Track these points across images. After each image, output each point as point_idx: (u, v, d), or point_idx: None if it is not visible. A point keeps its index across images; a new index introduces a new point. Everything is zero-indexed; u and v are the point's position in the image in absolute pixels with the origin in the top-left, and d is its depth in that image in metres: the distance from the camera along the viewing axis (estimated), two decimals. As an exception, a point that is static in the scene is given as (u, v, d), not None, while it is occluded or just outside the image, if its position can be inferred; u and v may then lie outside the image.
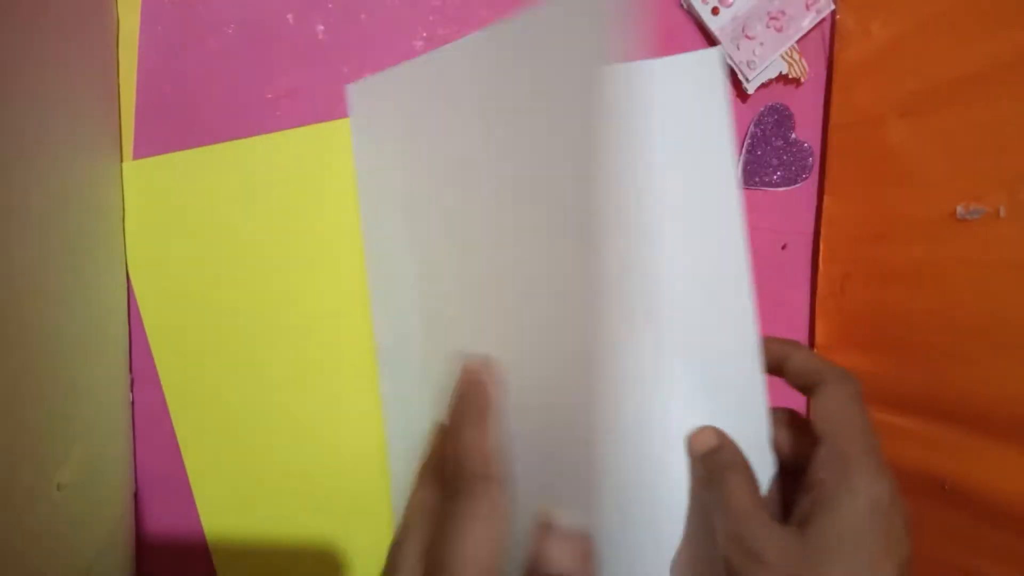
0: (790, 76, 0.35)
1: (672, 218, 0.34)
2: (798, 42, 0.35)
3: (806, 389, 0.25)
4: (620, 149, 0.32)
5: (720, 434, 0.27)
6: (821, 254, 0.37)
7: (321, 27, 0.34)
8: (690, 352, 0.33)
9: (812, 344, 0.37)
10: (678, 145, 0.34)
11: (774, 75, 0.35)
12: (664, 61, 0.34)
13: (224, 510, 0.35)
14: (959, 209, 0.29)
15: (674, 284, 0.34)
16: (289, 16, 0.34)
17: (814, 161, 0.37)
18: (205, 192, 0.34)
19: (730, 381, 0.32)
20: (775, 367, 0.27)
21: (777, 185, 0.37)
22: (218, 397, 0.35)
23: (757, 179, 0.37)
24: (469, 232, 0.32)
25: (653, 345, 0.34)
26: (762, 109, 0.36)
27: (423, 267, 0.33)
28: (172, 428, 0.34)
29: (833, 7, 0.35)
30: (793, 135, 0.36)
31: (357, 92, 0.33)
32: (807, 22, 0.35)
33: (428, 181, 0.33)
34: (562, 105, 0.28)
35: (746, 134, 0.36)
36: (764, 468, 0.29)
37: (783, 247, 0.37)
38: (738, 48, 0.35)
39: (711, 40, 0.36)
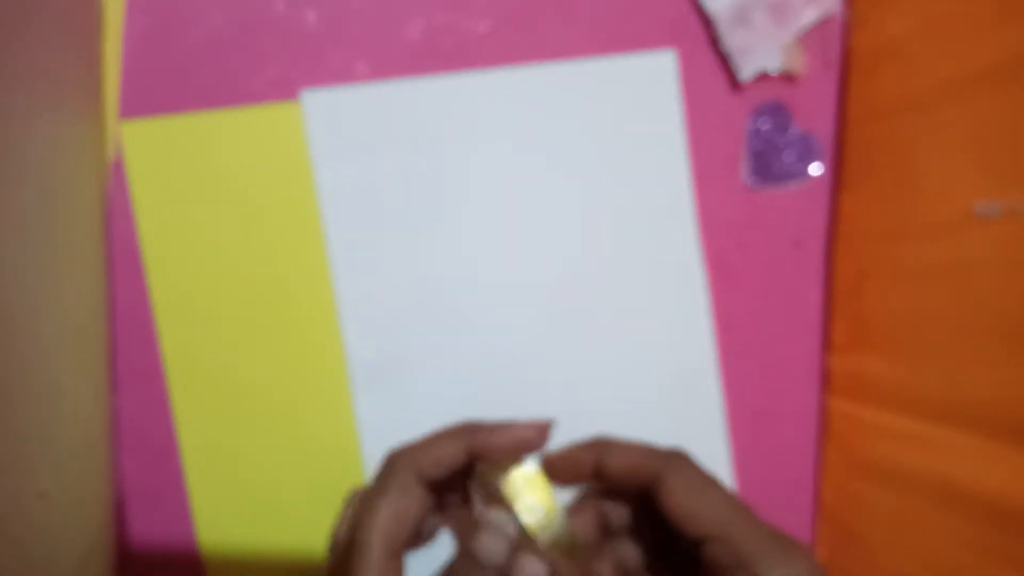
0: (789, 71, 0.34)
1: (623, 221, 0.35)
2: (801, 37, 0.34)
3: (641, 486, 0.23)
4: (571, 148, 0.35)
5: None
6: (836, 252, 0.36)
7: (312, 14, 0.33)
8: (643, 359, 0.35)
9: (828, 345, 0.36)
10: (628, 145, 0.35)
11: (771, 67, 0.34)
12: (615, 60, 0.35)
13: (223, 518, 0.34)
14: (977, 206, 0.28)
15: (625, 292, 0.36)
16: (278, 3, 0.33)
17: (824, 157, 0.36)
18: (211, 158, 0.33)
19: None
20: (590, 473, 0.25)
21: (785, 181, 0.36)
22: (226, 392, 0.33)
23: (765, 178, 0.36)
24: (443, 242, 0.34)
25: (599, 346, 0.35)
26: (759, 107, 0.35)
27: (396, 278, 0.34)
28: (163, 435, 0.33)
29: (840, 7, 0.34)
30: (796, 131, 0.36)
31: (314, 102, 0.33)
32: (810, 17, 0.34)
33: (397, 195, 0.34)
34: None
35: (745, 132, 0.35)
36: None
37: (796, 245, 0.36)
38: (734, 34, 0.34)
39: (706, 23, 0.34)
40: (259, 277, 0.33)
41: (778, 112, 0.36)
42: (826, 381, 0.36)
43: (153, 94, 0.32)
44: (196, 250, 0.33)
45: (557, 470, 0.25)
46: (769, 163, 0.36)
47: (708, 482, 0.23)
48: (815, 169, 0.36)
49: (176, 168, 0.33)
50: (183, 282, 0.33)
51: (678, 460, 0.23)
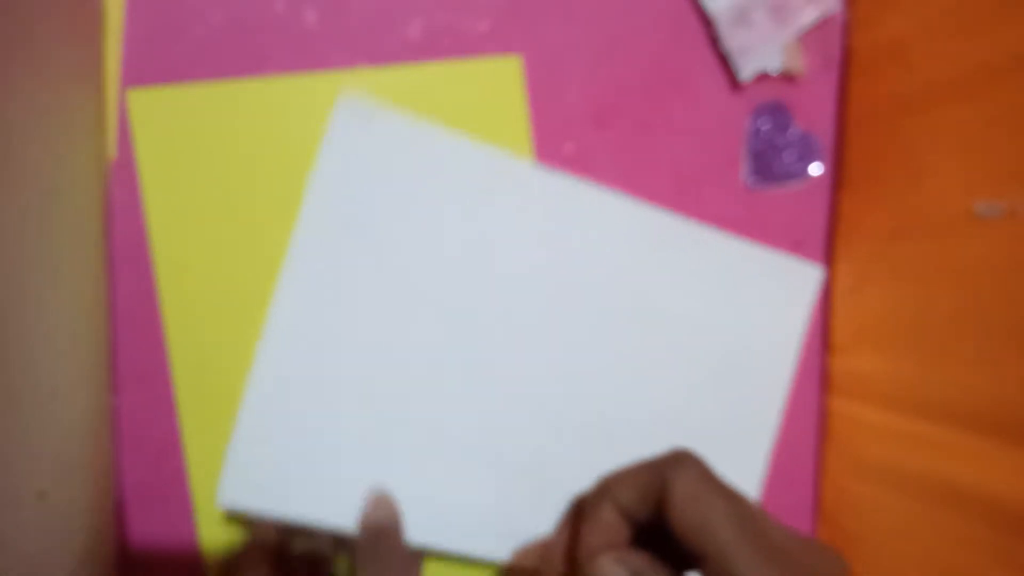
0: (789, 71, 0.34)
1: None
2: (801, 37, 0.34)
3: (656, 507, 0.21)
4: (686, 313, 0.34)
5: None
6: (836, 252, 0.36)
7: (312, 14, 0.33)
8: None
9: (828, 345, 0.36)
10: (746, 332, 0.35)
11: (771, 67, 0.34)
12: (763, 252, 0.35)
13: (226, 519, 0.33)
14: (976, 206, 0.27)
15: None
16: (278, 3, 0.33)
17: (824, 157, 0.36)
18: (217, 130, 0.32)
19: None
20: (629, 524, 0.22)
21: (785, 181, 0.36)
22: (233, 389, 0.32)
23: (765, 178, 0.36)
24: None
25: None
26: (759, 107, 0.35)
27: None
28: (166, 434, 0.33)
29: (840, 7, 0.34)
30: (796, 131, 0.36)
31: (348, 110, 0.31)
32: (810, 17, 0.34)
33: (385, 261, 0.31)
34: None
35: (745, 132, 0.35)
36: None
37: (796, 245, 0.36)
38: (734, 34, 0.34)
39: (706, 23, 0.34)
40: (272, 265, 0.32)
41: (778, 112, 0.36)
42: (826, 381, 0.36)
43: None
44: (206, 239, 0.32)
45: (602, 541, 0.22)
46: (769, 163, 0.36)
47: (711, 489, 0.20)
48: (815, 169, 0.36)
49: (186, 143, 0.32)
50: (191, 277, 0.32)
51: (680, 465, 0.21)
